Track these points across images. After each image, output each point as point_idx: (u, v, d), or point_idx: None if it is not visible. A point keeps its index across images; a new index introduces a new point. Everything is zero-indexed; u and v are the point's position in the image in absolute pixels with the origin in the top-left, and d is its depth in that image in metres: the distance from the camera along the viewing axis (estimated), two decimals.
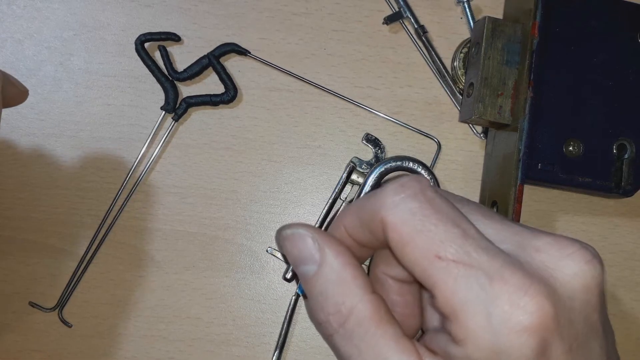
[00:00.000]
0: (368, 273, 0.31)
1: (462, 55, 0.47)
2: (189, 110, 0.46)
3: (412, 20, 0.47)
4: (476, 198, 0.47)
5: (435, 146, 0.47)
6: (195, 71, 0.46)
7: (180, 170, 0.46)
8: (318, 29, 0.48)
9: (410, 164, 0.39)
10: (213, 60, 0.46)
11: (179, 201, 0.46)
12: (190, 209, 0.46)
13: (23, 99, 0.38)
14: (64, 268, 0.45)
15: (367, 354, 0.26)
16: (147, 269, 0.46)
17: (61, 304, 0.45)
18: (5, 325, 0.45)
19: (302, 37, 0.47)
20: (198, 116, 0.47)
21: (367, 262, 0.31)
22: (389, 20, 0.47)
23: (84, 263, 0.45)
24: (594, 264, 0.25)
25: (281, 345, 0.45)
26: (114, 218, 0.46)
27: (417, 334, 0.30)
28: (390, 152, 0.47)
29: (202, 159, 0.46)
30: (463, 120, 0.46)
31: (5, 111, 0.36)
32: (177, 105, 0.46)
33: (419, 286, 0.30)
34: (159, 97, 0.46)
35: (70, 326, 0.45)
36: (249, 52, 0.47)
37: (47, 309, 0.45)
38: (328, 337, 0.27)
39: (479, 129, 0.48)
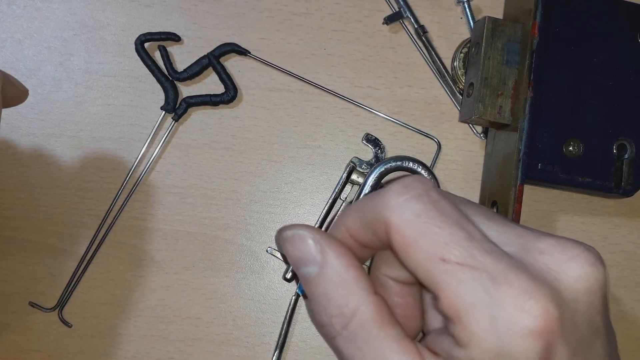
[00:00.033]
0: (368, 274, 0.31)
1: (462, 55, 0.47)
2: (189, 110, 0.46)
3: (412, 20, 0.47)
4: (476, 198, 0.47)
5: (435, 146, 0.47)
6: (195, 71, 0.46)
7: (180, 170, 0.46)
8: (318, 29, 0.48)
9: (410, 164, 0.39)
10: (213, 60, 0.46)
11: (179, 201, 0.46)
12: (190, 209, 0.46)
13: (23, 99, 0.38)
14: (64, 268, 0.45)
15: (370, 355, 0.26)
16: (147, 269, 0.46)
17: (61, 304, 0.45)
18: (5, 325, 0.45)
19: (302, 37, 0.47)
20: (198, 116, 0.47)
21: (366, 263, 0.31)
22: (389, 20, 0.47)
23: (84, 263, 0.45)
24: (598, 267, 0.25)
25: (281, 345, 0.45)
26: (114, 218, 0.46)
27: (418, 336, 0.30)
28: (390, 152, 0.47)
29: (202, 159, 0.46)
30: (463, 120, 0.46)
31: (5, 111, 0.36)
32: (177, 105, 0.46)
33: (420, 288, 0.30)
34: (159, 97, 0.46)
35: (70, 326, 0.45)
36: (249, 52, 0.47)
37: (47, 309, 0.45)
38: (330, 339, 0.27)
39: (479, 129, 0.48)
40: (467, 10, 0.47)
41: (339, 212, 0.45)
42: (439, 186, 0.39)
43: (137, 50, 0.46)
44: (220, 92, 0.46)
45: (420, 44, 0.48)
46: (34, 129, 0.46)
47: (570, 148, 0.43)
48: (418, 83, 0.48)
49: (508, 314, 0.23)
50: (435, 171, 0.47)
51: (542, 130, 0.42)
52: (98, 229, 0.45)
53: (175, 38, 0.46)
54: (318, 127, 0.47)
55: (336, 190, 0.45)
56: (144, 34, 0.46)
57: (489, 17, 0.43)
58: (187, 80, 0.46)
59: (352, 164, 0.45)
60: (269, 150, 0.47)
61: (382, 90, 0.48)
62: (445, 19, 0.48)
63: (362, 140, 0.47)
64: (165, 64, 0.46)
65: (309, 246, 0.27)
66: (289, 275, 0.45)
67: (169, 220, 0.46)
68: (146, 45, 0.46)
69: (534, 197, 0.48)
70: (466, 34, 0.48)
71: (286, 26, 0.47)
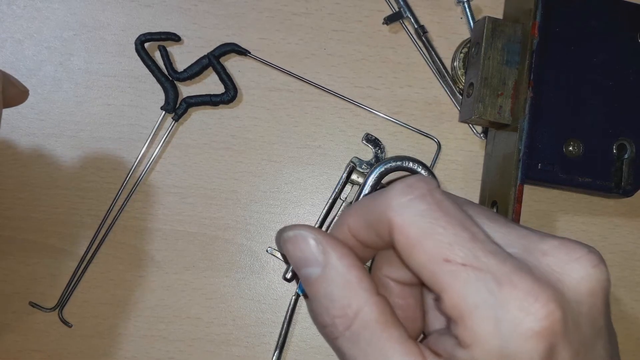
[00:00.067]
0: None
1: (462, 55, 0.47)
2: (189, 110, 0.46)
3: (412, 20, 0.47)
4: (476, 198, 0.47)
5: (435, 146, 0.47)
6: (195, 71, 0.46)
7: (180, 170, 0.46)
8: (318, 29, 0.48)
9: (410, 164, 0.39)
10: (213, 60, 0.46)
11: (179, 201, 0.46)
12: (190, 209, 0.46)
13: (23, 99, 0.37)
14: (64, 268, 0.45)
15: (373, 356, 0.26)
16: (147, 269, 0.46)
17: (61, 304, 0.45)
18: (5, 325, 0.45)
19: (302, 37, 0.47)
20: (198, 116, 0.47)
21: (366, 264, 0.31)
22: (389, 20, 0.47)
23: (84, 263, 0.45)
24: (601, 268, 0.25)
25: (281, 345, 0.45)
26: (114, 218, 0.46)
27: (419, 337, 0.30)
28: (390, 152, 0.47)
29: (202, 159, 0.46)
30: (463, 120, 0.46)
31: (5, 111, 0.36)
32: (177, 105, 0.46)
33: (421, 289, 0.30)
34: (159, 97, 0.46)
35: (70, 326, 0.45)
36: (249, 52, 0.47)
37: (47, 309, 0.45)
38: (333, 340, 0.27)
39: (479, 129, 0.48)
40: (467, 10, 0.47)
41: (339, 212, 0.45)
42: (439, 187, 0.39)
43: (137, 50, 0.46)
44: (220, 92, 0.46)
45: (420, 44, 0.48)
46: (34, 129, 0.46)
47: (570, 148, 0.43)
48: (418, 83, 0.48)
49: (512, 316, 0.23)
50: (435, 171, 0.47)
51: (542, 130, 0.42)
52: (98, 229, 0.45)
53: (175, 38, 0.46)
54: (318, 127, 0.47)
55: (336, 190, 0.45)
56: (144, 34, 0.46)
57: (489, 17, 0.43)
58: (187, 80, 0.46)
59: (352, 164, 0.45)
60: (269, 150, 0.47)
61: (382, 90, 0.48)
62: (445, 19, 0.48)
63: (362, 140, 0.47)
64: (165, 64, 0.46)
65: (311, 247, 0.27)
66: (289, 275, 0.45)
67: (169, 220, 0.46)
68: (146, 45, 0.46)
69: (534, 197, 0.48)
70: (466, 34, 0.48)
71: (286, 26, 0.47)
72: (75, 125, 0.46)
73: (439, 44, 0.48)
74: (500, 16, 0.47)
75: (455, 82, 0.47)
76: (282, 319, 0.46)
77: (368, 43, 0.48)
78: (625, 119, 0.43)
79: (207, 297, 0.46)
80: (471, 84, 0.44)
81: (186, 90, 0.47)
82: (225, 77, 0.46)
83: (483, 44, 0.43)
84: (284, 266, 0.46)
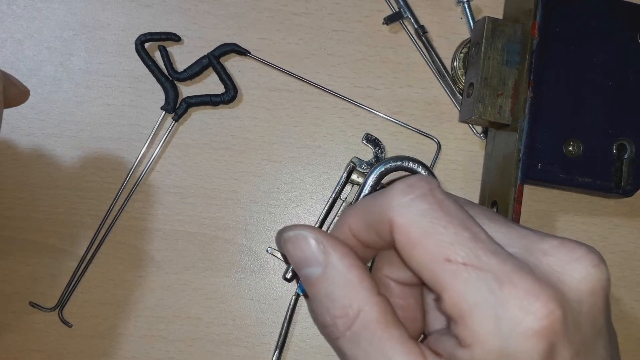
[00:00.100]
0: None
1: (462, 55, 0.47)
2: (189, 110, 0.46)
3: (412, 20, 0.47)
4: (476, 198, 0.47)
5: (435, 146, 0.47)
6: (195, 71, 0.46)
7: (180, 170, 0.46)
8: (318, 29, 0.48)
9: (410, 164, 0.39)
10: (213, 60, 0.46)
11: (179, 201, 0.46)
12: (190, 209, 0.46)
13: (24, 99, 0.38)
14: (64, 268, 0.45)
15: (374, 356, 0.26)
16: (147, 269, 0.46)
17: (61, 304, 0.45)
18: (5, 325, 0.45)
19: (302, 37, 0.47)
20: (198, 116, 0.47)
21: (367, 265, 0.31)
22: (389, 20, 0.47)
23: (84, 263, 0.45)
24: (601, 268, 0.25)
25: (281, 345, 0.45)
26: (114, 218, 0.46)
27: (420, 337, 0.30)
28: (390, 152, 0.47)
29: (202, 159, 0.46)
30: (463, 120, 0.46)
31: (5, 111, 0.36)
32: (177, 105, 0.46)
33: (421, 289, 0.30)
34: (159, 97, 0.46)
35: (70, 326, 0.45)
36: (249, 52, 0.47)
37: (47, 309, 0.45)
38: (334, 340, 0.27)
39: (479, 129, 0.48)
40: (467, 10, 0.47)
41: (339, 212, 0.45)
42: (440, 186, 0.39)
43: (137, 50, 0.46)
44: (220, 92, 0.46)
45: (420, 44, 0.48)
46: (34, 129, 0.46)
47: (570, 148, 0.43)
48: (418, 83, 0.48)
49: (512, 315, 0.23)
50: (435, 171, 0.47)
51: (542, 130, 0.42)
52: (98, 229, 0.45)
53: (175, 38, 0.46)
54: (318, 127, 0.47)
55: (336, 190, 0.45)
56: (144, 34, 0.46)
57: (489, 17, 0.43)
58: (187, 80, 0.46)
59: (352, 164, 0.45)
60: (269, 150, 0.47)
61: (382, 90, 0.48)
62: (445, 19, 0.48)
63: (362, 140, 0.47)
64: (165, 64, 0.46)
65: (311, 247, 0.27)
66: (289, 275, 0.45)
67: (169, 220, 0.46)
68: (146, 45, 0.46)
69: (534, 197, 0.48)
70: (466, 34, 0.48)
71: (286, 26, 0.47)
72: (75, 125, 0.46)
73: (439, 44, 0.48)
74: (500, 16, 0.47)
75: (455, 82, 0.47)
76: (282, 319, 0.46)
77: (368, 43, 0.48)
78: (625, 119, 0.43)
79: (207, 297, 0.46)
80: (471, 84, 0.44)
81: (186, 90, 0.47)
82: (225, 77, 0.46)
83: (483, 44, 0.43)
84: (284, 266, 0.46)
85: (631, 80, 0.44)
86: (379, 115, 0.47)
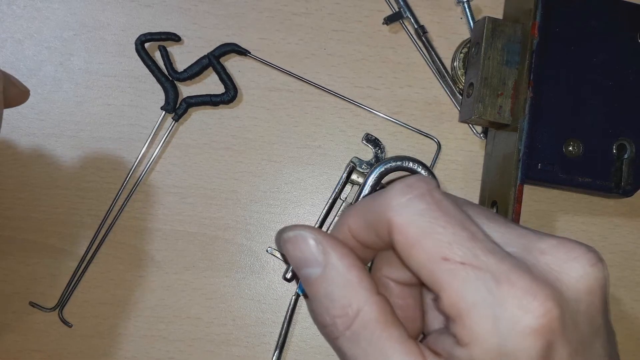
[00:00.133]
0: None
1: (462, 55, 0.47)
2: (189, 110, 0.46)
3: (412, 20, 0.47)
4: (476, 198, 0.47)
5: (435, 146, 0.47)
6: (195, 71, 0.46)
7: (180, 170, 0.46)
8: (318, 29, 0.48)
9: (410, 164, 0.39)
10: (213, 60, 0.46)
11: (179, 201, 0.46)
12: (190, 209, 0.46)
13: (24, 99, 0.38)
14: (64, 268, 0.45)
15: (373, 356, 0.26)
16: (147, 269, 0.46)
17: (61, 304, 0.45)
18: (5, 325, 0.45)
19: (302, 37, 0.47)
20: (198, 116, 0.47)
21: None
22: (389, 20, 0.47)
23: (84, 263, 0.45)
24: (599, 267, 0.25)
25: (281, 345, 0.45)
26: (114, 218, 0.46)
27: (419, 337, 0.30)
28: (390, 152, 0.47)
29: (202, 159, 0.46)
30: (463, 120, 0.46)
31: (5, 111, 0.36)
32: (177, 105, 0.46)
33: (420, 289, 0.30)
34: (159, 97, 0.46)
35: (70, 326, 0.45)
36: (249, 52, 0.47)
37: (47, 309, 0.45)
38: (333, 340, 0.27)
39: (479, 129, 0.48)
40: (467, 10, 0.47)
41: (339, 212, 0.45)
42: (438, 186, 0.39)
43: (137, 50, 0.46)
44: (220, 92, 0.46)
45: (420, 44, 0.48)
46: (34, 129, 0.46)
47: (570, 148, 0.43)
48: (418, 83, 0.48)
49: (510, 314, 0.23)
50: (435, 171, 0.47)
51: (542, 130, 0.42)
52: (98, 229, 0.45)
53: (175, 38, 0.46)
54: (318, 127, 0.47)
55: (336, 190, 0.45)
56: (144, 34, 0.46)
57: (489, 17, 0.43)
58: (187, 80, 0.46)
59: (352, 164, 0.45)
60: (269, 150, 0.47)
61: (382, 90, 0.48)
62: (445, 19, 0.48)
63: (362, 140, 0.47)
64: (165, 64, 0.46)
65: (311, 247, 0.27)
66: (289, 275, 0.45)
67: (169, 220, 0.46)
68: (146, 45, 0.46)
69: (534, 197, 0.48)
70: (466, 34, 0.48)
71: (286, 26, 0.47)
72: (75, 125, 0.46)
73: (439, 44, 0.48)
74: (500, 16, 0.47)
75: (455, 82, 0.47)
76: (282, 319, 0.46)
77: (368, 43, 0.48)
78: (625, 119, 0.43)
79: (207, 297, 0.46)
80: (471, 84, 0.44)
81: (186, 90, 0.47)
82: (225, 77, 0.46)
83: (483, 44, 0.43)
84: (284, 266, 0.46)
85: (631, 80, 0.44)
86: (379, 115, 0.47)
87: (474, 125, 0.48)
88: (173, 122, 0.46)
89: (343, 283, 0.27)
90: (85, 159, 0.46)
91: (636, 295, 0.48)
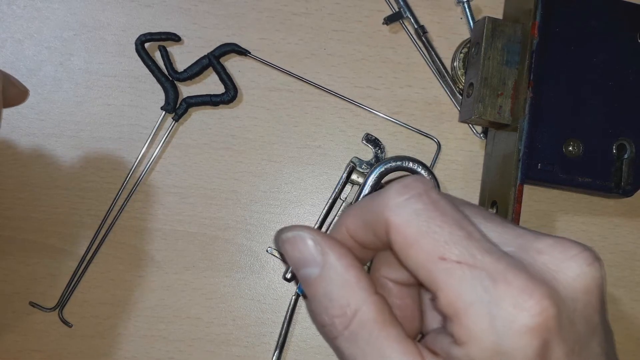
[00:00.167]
0: None
1: (462, 55, 0.47)
2: (189, 110, 0.46)
3: (412, 20, 0.47)
4: (476, 198, 0.47)
5: (435, 146, 0.47)
6: (195, 71, 0.46)
7: (180, 170, 0.46)
8: (318, 29, 0.48)
9: (410, 164, 0.39)
10: (213, 60, 0.46)
11: (179, 201, 0.46)
12: (190, 209, 0.46)
13: (24, 99, 0.38)
14: (64, 268, 0.45)
15: (372, 355, 0.26)
16: (147, 269, 0.46)
17: (61, 304, 0.45)
18: (5, 325, 0.45)
19: (302, 37, 0.47)
20: (198, 116, 0.47)
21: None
22: (389, 20, 0.47)
23: (84, 263, 0.45)
24: (596, 266, 0.25)
25: (281, 345, 0.45)
26: (114, 218, 0.46)
27: (417, 337, 0.30)
28: (390, 152, 0.47)
29: (202, 159, 0.46)
30: (463, 120, 0.46)
31: (5, 111, 0.36)
32: (177, 105, 0.46)
33: (418, 289, 0.30)
34: (159, 97, 0.46)
35: (70, 326, 0.45)
36: (249, 52, 0.47)
37: (47, 309, 0.45)
38: (332, 340, 0.27)
39: (479, 129, 0.48)
40: (467, 10, 0.47)
41: (339, 212, 0.45)
42: (439, 186, 0.39)
43: (137, 50, 0.46)
44: (220, 92, 0.46)
45: (420, 44, 0.48)
46: (34, 129, 0.46)
47: (570, 148, 0.43)
48: (418, 83, 0.48)
49: (506, 312, 0.23)
50: (435, 171, 0.47)
51: (542, 130, 0.42)
52: (98, 229, 0.45)
53: (175, 38, 0.46)
54: (318, 127, 0.47)
55: (336, 190, 0.45)
56: (144, 34, 0.46)
57: (489, 17, 0.43)
58: (187, 80, 0.46)
59: (352, 164, 0.45)
60: (269, 150, 0.47)
61: (382, 90, 0.48)
62: (445, 19, 0.48)
63: (362, 140, 0.47)
64: (165, 64, 0.46)
65: (309, 247, 0.27)
66: (289, 275, 0.45)
67: (169, 220, 0.46)
68: (146, 45, 0.46)
69: (534, 197, 0.48)
70: (466, 34, 0.48)
71: (286, 26, 0.47)
72: (75, 125, 0.46)
73: (439, 44, 0.48)
74: (500, 16, 0.47)
75: (455, 82, 0.47)
76: (282, 318, 0.46)
77: (368, 43, 0.48)
78: (625, 119, 0.43)
79: (207, 297, 0.46)
80: (471, 84, 0.44)
81: (186, 90, 0.47)
82: (225, 77, 0.46)
83: (483, 44, 0.43)
84: (284, 266, 0.46)
85: (631, 80, 0.44)
86: (379, 115, 0.47)
87: (474, 125, 0.48)
88: (173, 122, 0.46)
89: (341, 283, 0.27)
90: (85, 159, 0.46)
91: (636, 295, 0.48)
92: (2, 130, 0.45)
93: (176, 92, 0.46)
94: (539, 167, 0.42)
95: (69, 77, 0.46)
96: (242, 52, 0.47)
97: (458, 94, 0.47)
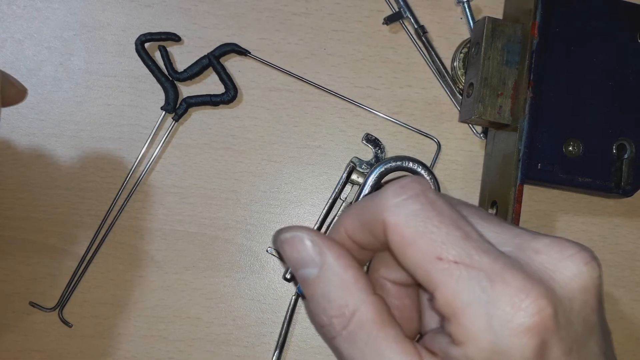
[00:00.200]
0: None
1: (462, 55, 0.47)
2: (189, 110, 0.46)
3: (412, 20, 0.47)
4: (476, 198, 0.47)
5: (435, 146, 0.47)
6: (195, 71, 0.46)
7: (180, 170, 0.46)
8: (318, 29, 0.48)
9: (410, 164, 0.39)
10: (213, 60, 0.46)
11: (179, 201, 0.46)
12: (190, 209, 0.46)
13: (22, 98, 0.38)
14: (64, 268, 0.45)
15: (370, 356, 0.26)
16: (147, 269, 0.46)
17: (61, 304, 0.45)
18: (5, 325, 0.45)
19: (302, 37, 0.47)
20: (198, 116, 0.47)
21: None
22: (389, 20, 0.47)
23: (84, 263, 0.45)
24: (593, 266, 0.25)
25: (281, 345, 0.45)
26: (114, 218, 0.46)
27: (416, 337, 0.30)
28: (390, 152, 0.47)
29: (202, 159, 0.46)
30: (463, 120, 0.46)
31: (5, 111, 0.36)
32: (177, 105, 0.46)
33: (417, 289, 0.30)
34: (159, 97, 0.46)
35: (70, 326, 0.45)
36: (249, 52, 0.47)
37: (47, 309, 0.45)
38: (330, 340, 0.27)
39: (479, 129, 0.48)
40: (467, 10, 0.47)
41: (339, 213, 0.45)
42: (438, 186, 0.39)
43: (137, 50, 0.46)
44: (220, 92, 0.46)
45: (420, 44, 0.48)
46: (34, 129, 0.46)
47: (570, 148, 0.43)
48: (418, 83, 0.48)
49: (504, 312, 0.23)
50: (435, 171, 0.47)
51: (542, 130, 0.42)
52: (98, 229, 0.45)
53: (175, 38, 0.46)
54: (318, 127, 0.47)
55: (336, 190, 0.45)
56: (144, 34, 0.46)
57: (489, 17, 0.43)
58: (187, 80, 0.46)
59: (352, 164, 0.45)
60: (269, 150, 0.47)
61: (382, 90, 0.48)
62: (445, 19, 0.48)
63: (362, 140, 0.47)
64: (165, 64, 0.46)
65: (307, 248, 0.27)
66: (289, 275, 0.45)
67: (169, 220, 0.46)
68: (146, 45, 0.46)
69: (534, 197, 0.48)
70: (466, 34, 0.48)
71: (286, 26, 0.47)
72: (75, 125, 0.46)
73: (439, 44, 0.48)
74: (500, 16, 0.47)
75: (455, 82, 0.47)
76: (282, 318, 0.46)
77: (368, 43, 0.48)
78: (625, 119, 0.43)
79: (207, 297, 0.46)
80: (471, 84, 0.44)
81: (186, 90, 0.47)
82: (225, 77, 0.46)
83: (483, 44, 0.43)
84: (284, 266, 0.46)
85: (631, 80, 0.44)
86: (379, 115, 0.47)
87: (474, 125, 0.48)
88: (173, 122, 0.46)
89: (339, 283, 0.27)
90: (85, 159, 0.46)
91: (636, 295, 0.48)
92: (2, 130, 0.45)
93: (176, 92, 0.46)
94: (539, 167, 0.42)
95: (69, 77, 0.46)
96: (242, 52, 0.47)
97: (458, 94, 0.47)
